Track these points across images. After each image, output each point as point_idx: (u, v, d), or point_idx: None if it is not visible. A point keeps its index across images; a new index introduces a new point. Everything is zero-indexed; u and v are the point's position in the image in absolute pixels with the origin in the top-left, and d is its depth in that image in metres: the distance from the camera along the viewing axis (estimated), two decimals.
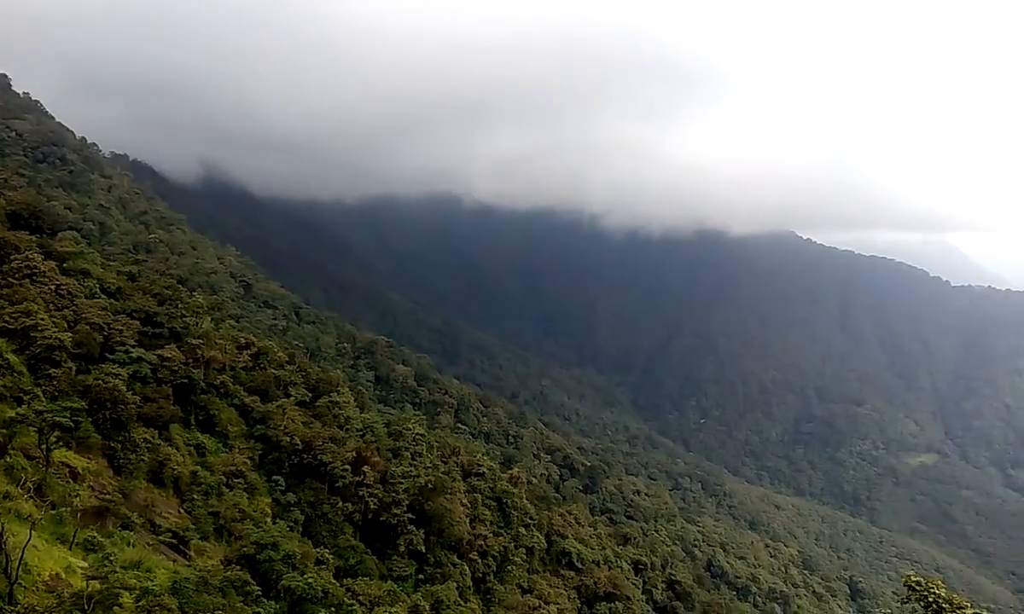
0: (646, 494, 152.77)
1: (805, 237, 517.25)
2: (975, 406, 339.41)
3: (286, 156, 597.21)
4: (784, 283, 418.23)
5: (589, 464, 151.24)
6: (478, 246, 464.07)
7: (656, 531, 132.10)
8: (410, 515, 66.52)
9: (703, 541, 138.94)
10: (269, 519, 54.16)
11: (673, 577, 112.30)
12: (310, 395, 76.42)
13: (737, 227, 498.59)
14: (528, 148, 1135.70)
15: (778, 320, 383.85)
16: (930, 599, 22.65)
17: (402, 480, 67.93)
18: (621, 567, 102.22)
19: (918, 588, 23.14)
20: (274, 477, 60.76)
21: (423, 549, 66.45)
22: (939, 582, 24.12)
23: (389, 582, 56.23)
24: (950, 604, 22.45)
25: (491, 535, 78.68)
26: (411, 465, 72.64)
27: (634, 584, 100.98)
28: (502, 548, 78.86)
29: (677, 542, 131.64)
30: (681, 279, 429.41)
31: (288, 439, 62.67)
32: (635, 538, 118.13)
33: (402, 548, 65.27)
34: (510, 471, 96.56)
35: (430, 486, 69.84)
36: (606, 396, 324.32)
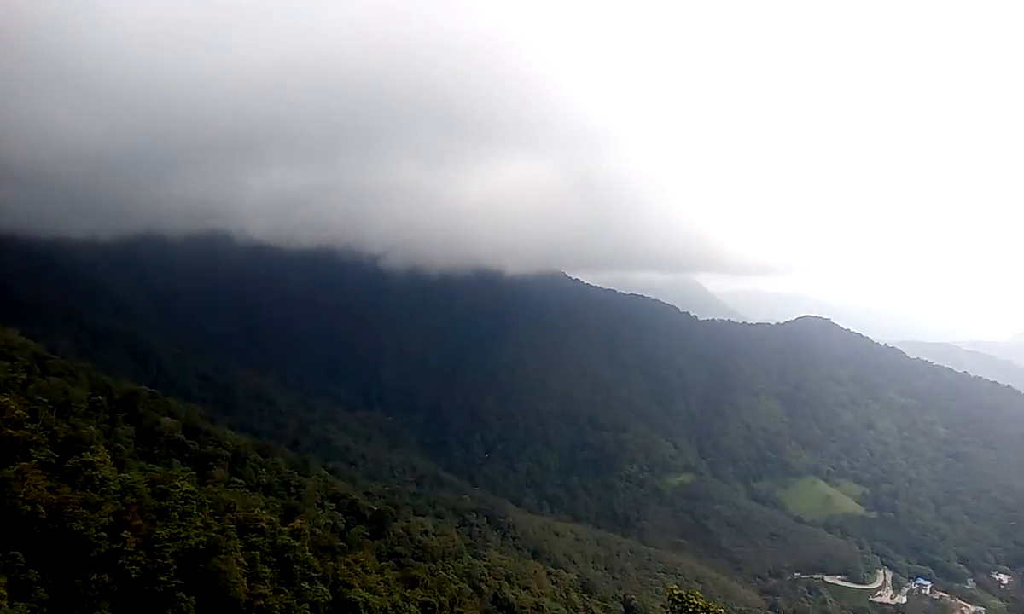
0: (434, 533, 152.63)
1: (574, 277, 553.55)
2: (722, 427, 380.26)
3: (27, 189, 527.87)
4: (557, 320, 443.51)
5: (376, 508, 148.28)
6: (253, 286, 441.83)
7: (444, 570, 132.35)
8: (179, 580, 61.03)
9: (489, 575, 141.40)
10: (4, 602, 47.05)
11: None
12: (57, 456, 67.84)
13: (511, 268, 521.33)
14: (305, 186, 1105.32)
15: (553, 355, 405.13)
16: (690, 609, 24.75)
17: (169, 543, 62.27)
18: (410, 611, 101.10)
19: (680, 600, 25.22)
20: (12, 553, 52.98)
21: None
22: (697, 592, 26.57)
23: None
24: (707, 611, 24.66)
25: (271, 593, 74.26)
26: (179, 526, 66.82)
27: None
28: (284, 605, 74.71)
29: (465, 579, 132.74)
30: (462, 318, 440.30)
31: (29, 507, 55.04)
32: (423, 580, 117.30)
33: None
34: (291, 523, 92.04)
35: (202, 547, 64.73)
36: (393, 437, 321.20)
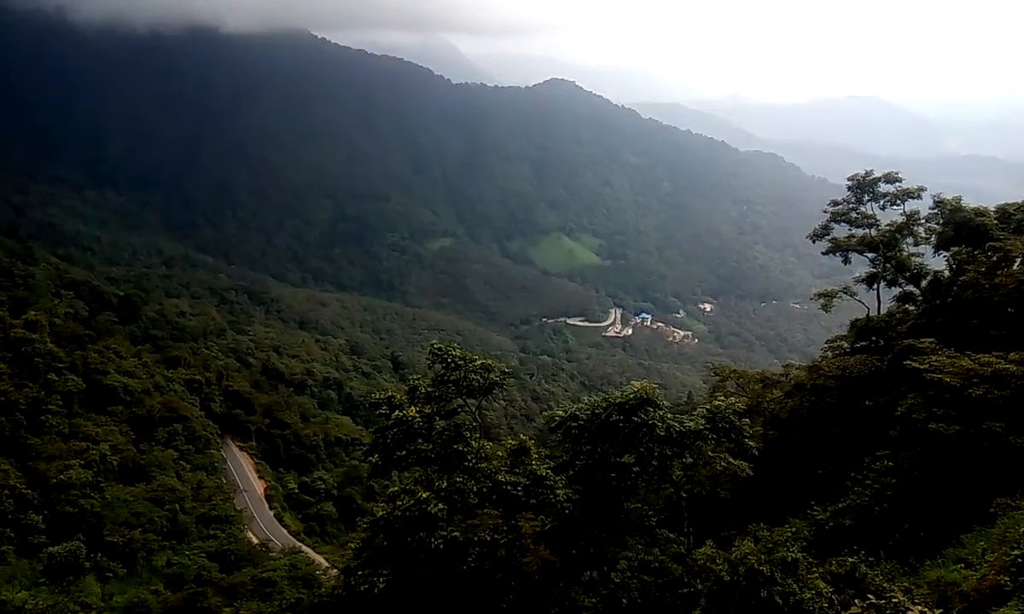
0: (191, 314, 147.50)
1: (319, 37, 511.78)
2: (477, 192, 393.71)
3: None
4: (305, 85, 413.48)
5: (122, 293, 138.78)
6: None
7: (207, 348, 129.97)
8: None
9: (256, 348, 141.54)
10: None
11: (230, 387, 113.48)
12: None
13: (233, 23, 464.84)
14: None
15: (304, 123, 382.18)
16: (448, 359, 28.07)
17: None
18: (174, 390, 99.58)
19: (439, 353, 28.43)
20: None
21: None
22: (455, 344, 29.61)
23: None
24: (464, 360, 28.18)
25: (13, 389, 69.12)
26: None
27: (191, 403, 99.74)
28: (31, 400, 70.18)
29: (230, 354, 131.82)
30: (193, 83, 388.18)
31: None
32: (185, 359, 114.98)
33: None
34: (24, 315, 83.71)
35: None
36: (131, 219, 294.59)
